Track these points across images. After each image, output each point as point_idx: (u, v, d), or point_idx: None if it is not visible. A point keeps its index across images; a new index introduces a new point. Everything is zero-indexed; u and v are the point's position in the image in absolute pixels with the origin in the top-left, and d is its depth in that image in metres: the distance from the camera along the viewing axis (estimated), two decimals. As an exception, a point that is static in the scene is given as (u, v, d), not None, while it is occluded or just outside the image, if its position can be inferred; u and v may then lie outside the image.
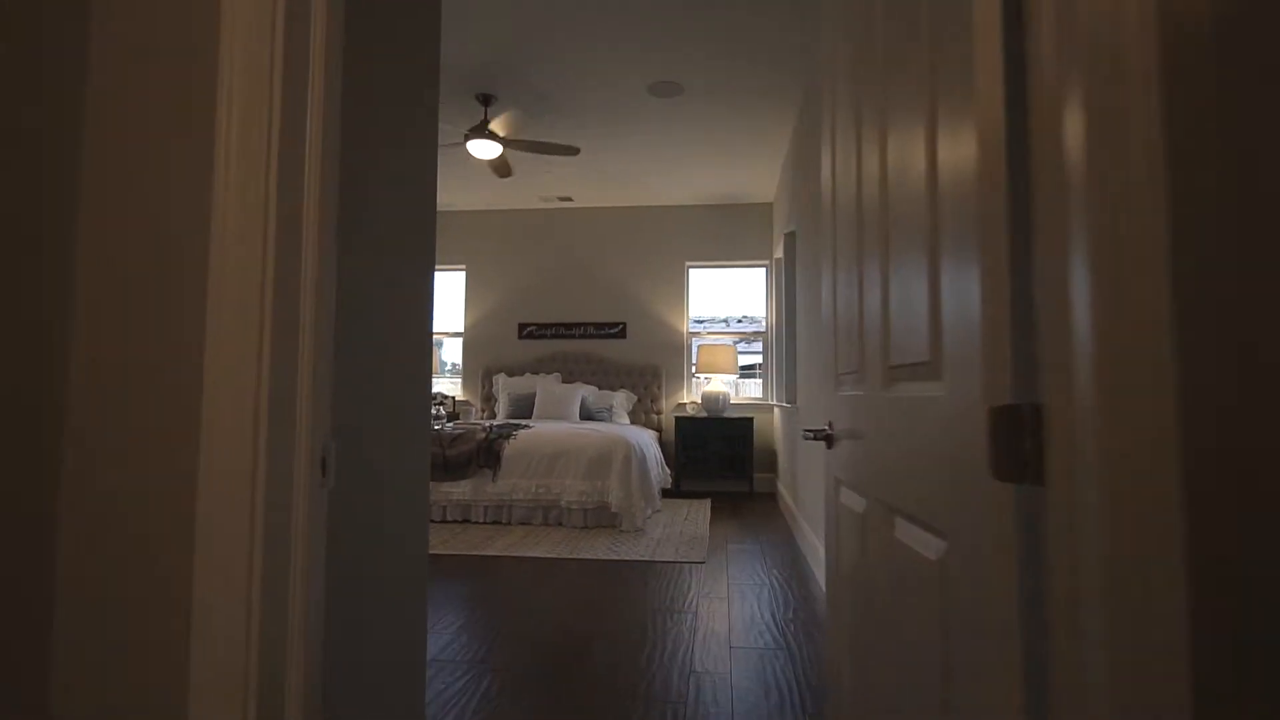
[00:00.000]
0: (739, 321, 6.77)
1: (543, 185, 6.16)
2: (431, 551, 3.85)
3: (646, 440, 5.14)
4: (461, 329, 6.91)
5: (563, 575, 3.43)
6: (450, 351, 7.30)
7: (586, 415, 6.01)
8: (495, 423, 5.27)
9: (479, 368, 6.77)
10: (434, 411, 4.97)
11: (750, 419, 6.01)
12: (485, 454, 4.64)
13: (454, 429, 4.89)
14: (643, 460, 4.62)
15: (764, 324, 6.64)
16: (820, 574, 3.30)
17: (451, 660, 2.34)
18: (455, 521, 4.66)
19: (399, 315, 1.40)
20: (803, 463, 4.18)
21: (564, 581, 3.30)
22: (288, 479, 0.88)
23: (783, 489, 5.48)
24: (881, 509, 1.03)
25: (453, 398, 6.65)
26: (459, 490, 4.62)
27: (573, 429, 4.87)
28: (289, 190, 0.90)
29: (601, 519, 4.56)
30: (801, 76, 4.02)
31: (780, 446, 5.72)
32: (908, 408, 0.92)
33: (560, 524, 4.59)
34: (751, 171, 5.74)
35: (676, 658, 2.37)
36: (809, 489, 3.89)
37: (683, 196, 6.42)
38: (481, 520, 4.64)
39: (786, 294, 5.34)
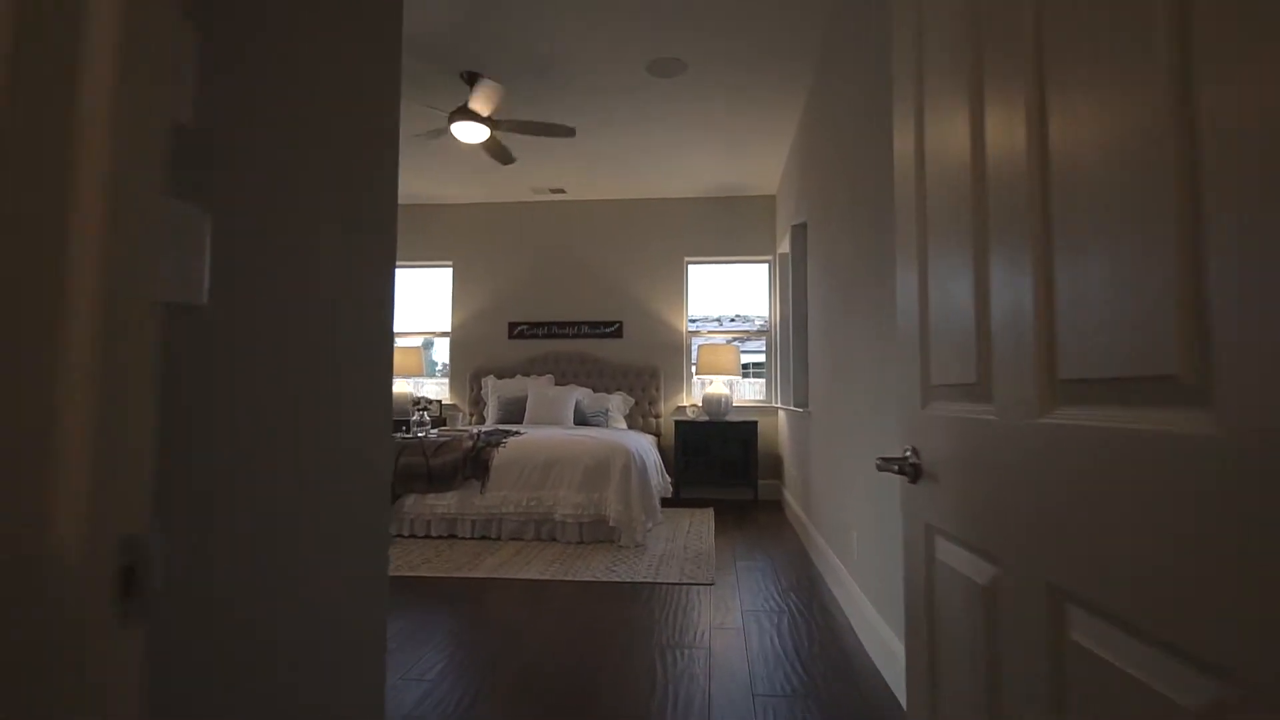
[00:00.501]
0: (731, 321, 6.45)
1: (534, 177, 5.82)
2: (412, 573, 3.50)
3: (645, 447, 4.81)
4: (449, 328, 6.55)
5: (558, 600, 3.09)
6: (439, 352, 6.93)
7: (581, 420, 5.67)
8: (484, 429, 4.92)
9: (467, 369, 6.41)
10: (418, 418, 4.61)
11: (754, 423, 5.69)
12: (472, 464, 4.29)
13: (439, 436, 4.53)
14: (643, 469, 4.28)
15: (767, 322, 6.31)
16: (841, 596, 2.97)
17: (428, 717, 1.99)
18: (441, 537, 4.31)
19: (346, 315, 1.06)
20: (818, 471, 3.85)
21: (559, 608, 2.96)
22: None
23: (790, 497, 5.16)
24: (1037, 589, 0.70)
25: (439, 402, 6.29)
26: (444, 503, 4.27)
27: (567, 436, 4.53)
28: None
29: (598, 533, 4.23)
30: (812, 56, 3.69)
31: (787, 452, 5.40)
32: (1103, 445, 0.59)
33: (554, 539, 4.25)
34: (755, 161, 5.42)
35: (692, 709, 2.04)
36: (825, 501, 3.57)
37: (682, 188, 6.09)
38: (469, 535, 4.29)
39: (794, 290, 5.01)
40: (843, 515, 3.09)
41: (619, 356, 6.28)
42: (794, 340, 4.98)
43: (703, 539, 4.35)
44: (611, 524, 4.09)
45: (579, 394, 5.79)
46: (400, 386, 6.16)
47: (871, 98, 2.57)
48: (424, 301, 6.72)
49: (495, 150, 4.33)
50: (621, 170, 5.65)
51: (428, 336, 6.69)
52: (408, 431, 4.63)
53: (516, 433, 4.70)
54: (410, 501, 4.30)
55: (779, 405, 5.91)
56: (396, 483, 4.29)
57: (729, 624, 2.78)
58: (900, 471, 1.05)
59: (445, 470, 4.29)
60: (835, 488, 3.30)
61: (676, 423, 5.76)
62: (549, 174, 5.76)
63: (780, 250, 5.93)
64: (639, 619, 2.84)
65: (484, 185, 6.05)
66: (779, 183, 5.89)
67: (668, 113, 4.46)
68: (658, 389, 6.14)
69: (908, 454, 1.06)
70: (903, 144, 1.12)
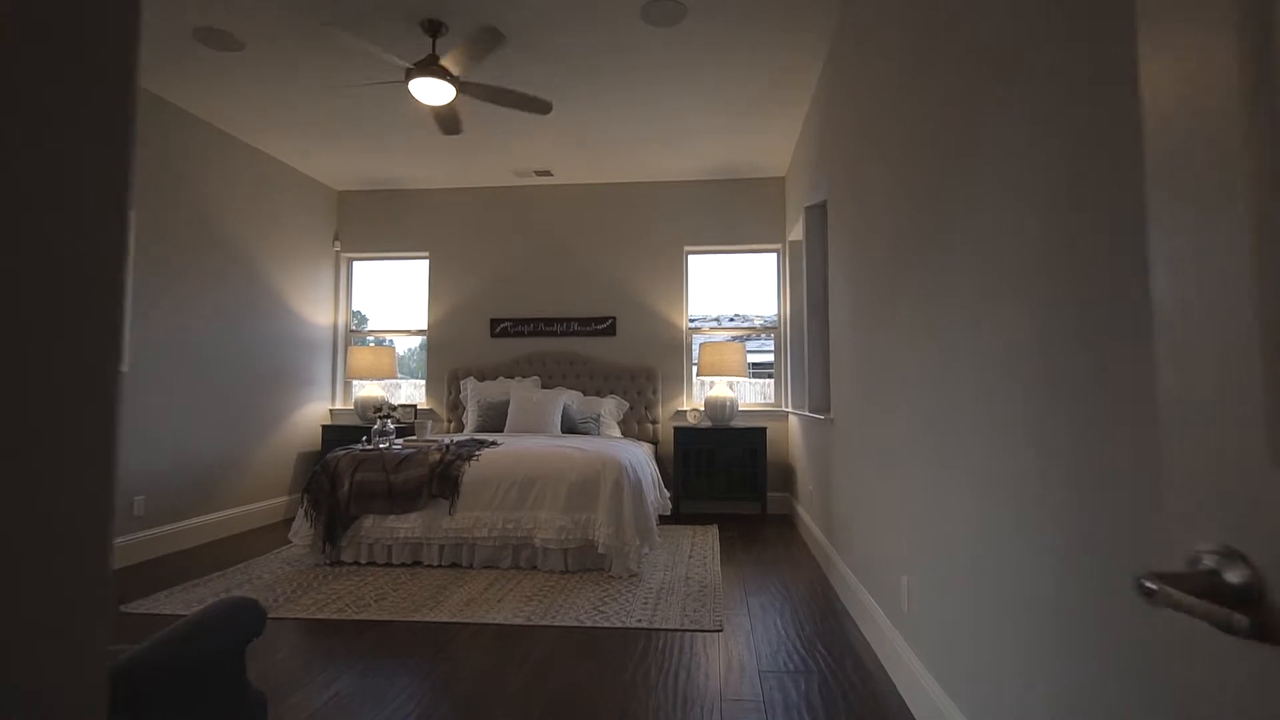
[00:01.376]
0: (730, 320, 5.87)
1: (516, 157, 5.23)
2: (360, 615, 2.91)
3: (641, 459, 4.22)
4: (425, 325, 5.95)
5: (535, 652, 2.50)
6: (413, 351, 6.34)
7: (569, 427, 5.08)
8: (456, 439, 4.33)
9: (445, 370, 5.82)
10: (380, 426, 4.03)
11: (762, 429, 5.11)
12: (440, 481, 3.70)
13: (402, 449, 3.95)
14: (637, 486, 3.70)
15: (776, 317, 5.73)
16: (883, 651, 2.39)
17: None
18: (404, 564, 3.72)
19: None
20: (845, 492, 3.27)
21: (535, 664, 2.38)
22: None
23: (803, 512, 4.58)
24: None
25: (413, 407, 5.69)
26: (407, 526, 3.68)
27: (551, 446, 3.94)
28: None
29: (586, 560, 3.64)
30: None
31: (801, 462, 4.82)
32: None
33: (534, 567, 3.67)
34: (762, 138, 4.83)
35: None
36: (857, 530, 2.98)
37: (681, 170, 5.50)
38: (436, 562, 3.70)
39: (810, 279, 4.43)
40: (885, 552, 2.51)
41: (612, 356, 5.69)
42: (810, 336, 4.40)
43: (707, 565, 3.76)
44: (601, 551, 3.50)
45: (567, 398, 5.20)
46: (371, 390, 5.57)
47: (924, 35, 1.99)
48: (398, 296, 6.13)
49: (445, 117, 3.74)
50: (614, 150, 5.07)
51: (391, 336, 6.10)
52: (368, 442, 4.04)
53: (492, 443, 4.11)
54: (369, 524, 3.71)
55: (790, 409, 5.33)
56: (353, 502, 3.70)
57: (745, 693, 2.20)
58: (1226, 625, 0.45)
59: (408, 488, 3.70)
60: (873, 518, 2.72)
61: (676, 429, 5.18)
62: (533, 154, 5.17)
63: (791, 237, 5.36)
64: (632, 683, 2.25)
65: (462, 168, 5.47)
66: (789, 162, 5.30)
67: (665, 76, 3.88)
68: (655, 392, 5.55)
69: (1235, 572, 0.47)
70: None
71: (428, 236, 5.92)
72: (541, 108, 3.69)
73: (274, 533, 4.68)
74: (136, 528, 3.90)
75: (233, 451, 4.68)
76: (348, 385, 6.01)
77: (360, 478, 3.75)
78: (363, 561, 3.75)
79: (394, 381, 6.07)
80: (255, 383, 4.91)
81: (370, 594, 3.25)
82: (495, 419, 5.17)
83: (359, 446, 4.02)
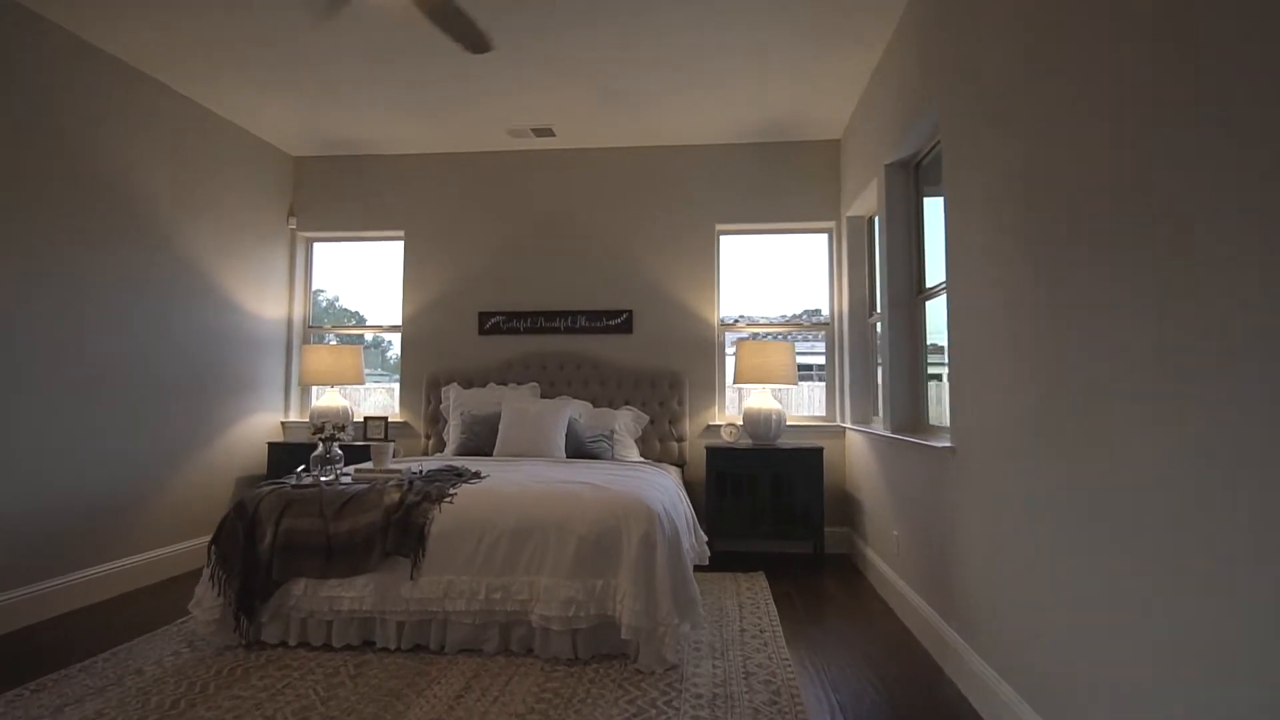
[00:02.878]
0: (782, 317, 4.83)
1: (511, 111, 4.19)
2: (258, 763, 1.86)
3: (673, 494, 3.17)
4: (399, 320, 4.91)
5: None
6: (392, 352, 5.30)
7: (576, 447, 4.03)
8: (425, 468, 3.28)
9: (422, 375, 4.77)
10: (321, 451, 2.97)
11: (818, 450, 4.06)
12: (398, 531, 2.65)
13: (346, 484, 2.89)
14: (674, 541, 2.65)
15: (828, 311, 4.69)
16: None
17: None
18: (348, 649, 2.67)
19: None
20: (977, 548, 2.22)
21: None
22: None
23: (875, 558, 3.53)
24: None
25: (383, 420, 4.64)
26: (354, 594, 2.63)
27: (553, 482, 2.90)
28: None
29: (603, 644, 2.60)
30: None
31: (871, 493, 3.77)
32: None
33: (531, 652, 2.62)
34: (818, 84, 3.80)
35: None
36: (1011, 607, 1.93)
37: (712, 130, 4.46)
38: (394, 646, 2.65)
39: (891, 259, 3.39)
40: (1101, 674, 1.45)
41: (628, 358, 4.64)
42: (892, 333, 3.36)
43: (768, 646, 2.72)
44: (625, 634, 2.46)
45: (574, 410, 4.15)
46: (332, 399, 4.52)
47: None
48: (366, 284, 5.08)
49: (447, 15, 2.68)
50: (632, 102, 4.03)
51: (376, 334, 5.05)
52: (305, 474, 2.99)
53: (474, 475, 3.06)
54: (300, 591, 2.66)
55: (849, 425, 4.28)
56: (278, 561, 2.65)
57: None
58: None
59: (354, 541, 2.65)
60: (1066, 610, 1.67)
61: (709, 449, 4.13)
62: (531, 108, 4.13)
63: (851, 212, 4.32)
64: None
65: (444, 127, 4.42)
66: (850, 119, 4.26)
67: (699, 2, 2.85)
68: (681, 402, 4.51)
69: None
70: None
71: (402, 212, 4.87)
72: (475, 43, 2.68)
73: (192, 583, 3.62)
74: (-14, 591, 2.85)
75: (139, 481, 3.62)
76: (305, 392, 4.96)
77: (288, 526, 2.69)
78: (291, 643, 2.69)
79: (363, 388, 5.03)
80: (178, 391, 3.85)
81: (290, 700, 2.20)
82: (483, 436, 4.11)
83: (291, 480, 2.96)
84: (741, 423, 4.30)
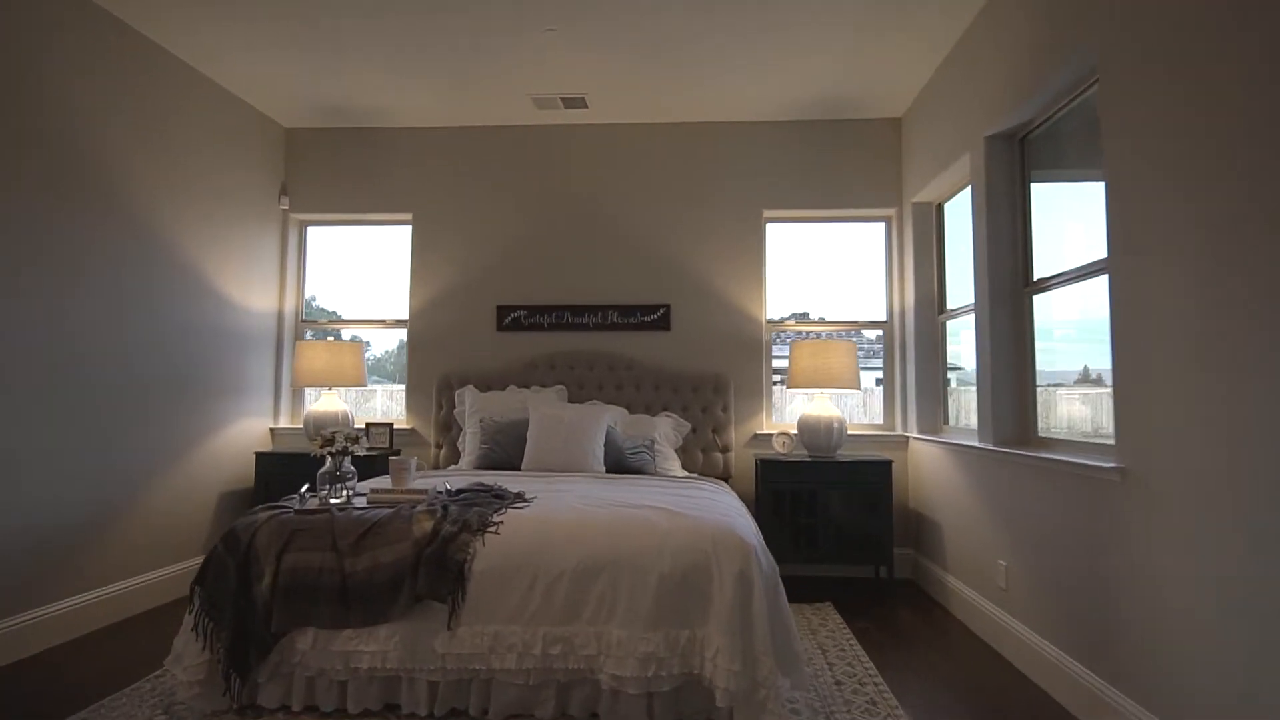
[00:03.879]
0: (822, 317, 4.37)
1: (539, 76, 3.69)
2: None
3: (749, 518, 2.68)
4: (405, 315, 4.37)
5: None
6: (394, 349, 4.76)
7: (615, 460, 3.53)
8: (452, 486, 2.75)
9: (433, 376, 4.25)
10: (335, 467, 2.44)
11: (887, 462, 3.61)
12: (433, 569, 2.13)
13: (361, 507, 2.36)
14: (773, 578, 2.17)
15: (885, 309, 4.24)
16: None
17: None
18: (368, 715, 2.15)
19: None
20: (1184, 611, 1.76)
21: None
22: None
23: (963, 587, 3.08)
24: None
25: (388, 426, 4.10)
26: (374, 648, 2.11)
27: (614, 504, 2.40)
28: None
29: (685, 709, 2.11)
30: None
31: (957, 512, 3.32)
32: None
33: (596, 719, 2.12)
34: (881, 55, 3.36)
35: None
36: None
37: (761, 105, 4.01)
38: (425, 713, 2.14)
39: (990, 245, 2.94)
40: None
41: (665, 359, 4.16)
42: (996, 330, 2.91)
43: (874, 701, 2.26)
44: (720, 700, 1.97)
45: (611, 417, 3.66)
46: (329, 403, 3.97)
47: None
48: (369, 274, 4.54)
49: None
50: (674, 71, 3.56)
51: (366, 329, 4.51)
52: (310, 495, 2.46)
53: (517, 498, 2.55)
54: (306, 645, 2.13)
55: (915, 435, 3.84)
56: (280, 607, 2.12)
57: None
58: None
59: (376, 582, 2.13)
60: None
61: (761, 462, 3.66)
62: (562, 73, 3.63)
63: (917, 198, 3.87)
64: None
65: (460, 95, 3.91)
66: (919, 92, 3.82)
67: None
68: (726, 408, 4.03)
69: None
70: None
71: (410, 193, 4.34)
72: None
73: (169, 620, 3.07)
74: (-94, 643, 2.28)
75: (101, 501, 3.06)
76: (297, 395, 4.40)
77: (293, 563, 2.16)
78: (295, 708, 2.16)
79: (364, 390, 4.48)
80: (153, 392, 3.29)
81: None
82: (508, 447, 3.59)
83: (294, 503, 2.43)
84: (796, 432, 3.83)
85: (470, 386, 4.04)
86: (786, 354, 4.21)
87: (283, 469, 3.79)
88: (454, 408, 4.05)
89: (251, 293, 4.05)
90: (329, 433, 2.45)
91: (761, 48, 3.36)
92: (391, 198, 4.33)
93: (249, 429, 4.02)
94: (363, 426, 4.13)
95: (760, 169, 4.19)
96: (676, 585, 2.09)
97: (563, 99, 3.93)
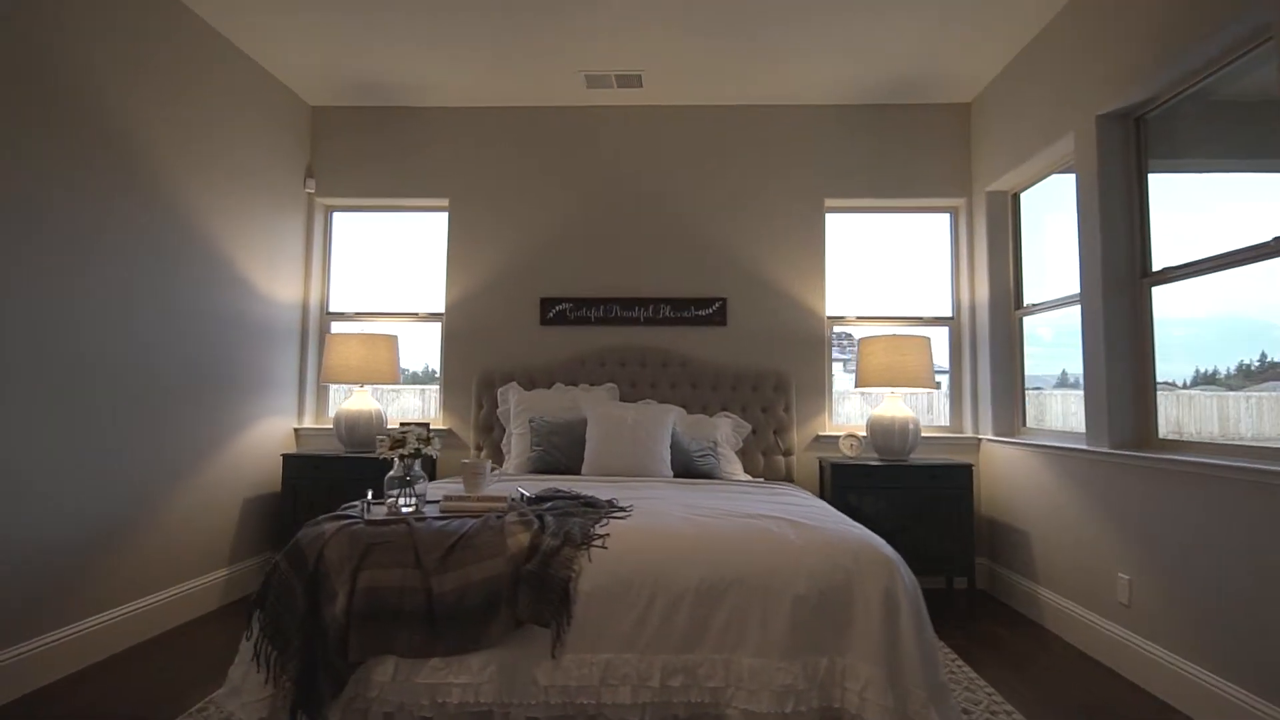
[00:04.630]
0: (881, 314, 4.14)
1: (591, 51, 3.43)
2: None
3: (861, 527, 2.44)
4: (441, 308, 4.09)
5: None
6: (421, 345, 4.45)
7: (683, 464, 3.27)
8: (524, 491, 2.48)
9: (471, 373, 3.96)
10: (404, 470, 2.16)
11: (967, 466, 3.39)
12: (535, 590, 1.86)
13: (439, 517, 2.08)
14: (917, 598, 1.92)
15: (951, 305, 4.02)
16: None
17: None
18: (455, 755, 1.87)
19: None
20: None
21: None
22: None
23: (1059, 599, 2.85)
24: None
25: (425, 426, 3.80)
26: (465, 680, 1.83)
27: (734, 516, 2.14)
28: None
29: (823, 747, 1.85)
30: None
31: (1051, 521, 3.10)
32: None
33: (721, 761, 1.86)
34: (960, 33, 3.15)
35: None
36: None
37: (824, 88, 3.78)
38: (521, 752, 1.86)
39: (1105, 232, 2.73)
40: None
41: (722, 355, 3.91)
42: (1111, 325, 2.70)
43: (1022, 740, 2.02)
44: (871, 739, 1.72)
45: (673, 417, 3.40)
46: (360, 401, 3.68)
47: None
48: (402, 263, 4.25)
49: None
50: (738, 49, 3.33)
51: (399, 322, 4.21)
52: (377, 502, 2.18)
53: (609, 505, 2.28)
54: (386, 674, 1.85)
55: (990, 437, 3.62)
56: (356, 632, 1.84)
57: None
58: None
59: (467, 605, 1.86)
60: None
61: (833, 466, 3.42)
62: (617, 48, 3.38)
63: (992, 186, 3.66)
64: None
65: (506, 72, 3.63)
66: (998, 74, 3.61)
67: None
68: (788, 409, 3.78)
69: None
70: None
71: (448, 176, 4.05)
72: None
73: (195, 641, 2.76)
74: (-90, 675, 1.96)
75: (121, 510, 2.74)
76: (322, 392, 4.10)
77: (371, 581, 1.88)
78: (371, 749, 1.88)
79: (389, 388, 4.18)
80: (176, 388, 2.98)
81: None
82: (565, 449, 3.32)
83: (355, 511, 2.14)
84: (866, 434, 3.60)
85: (514, 384, 3.76)
86: (841, 353, 4.00)
87: (311, 473, 3.49)
88: (498, 406, 3.76)
89: (276, 282, 3.74)
90: (398, 432, 2.18)
91: (835, 27, 3.14)
92: (427, 182, 4.04)
93: (272, 429, 3.71)
94: (397, 427, 3.83)
95: (821, 155, 3.96)
96: (814, 608, 1.84)
97: (617, 77, 3.67)
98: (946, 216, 4.05)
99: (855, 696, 1.77)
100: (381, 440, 2.20)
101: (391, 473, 2.21)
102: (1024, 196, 3.66)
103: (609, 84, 3.74)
